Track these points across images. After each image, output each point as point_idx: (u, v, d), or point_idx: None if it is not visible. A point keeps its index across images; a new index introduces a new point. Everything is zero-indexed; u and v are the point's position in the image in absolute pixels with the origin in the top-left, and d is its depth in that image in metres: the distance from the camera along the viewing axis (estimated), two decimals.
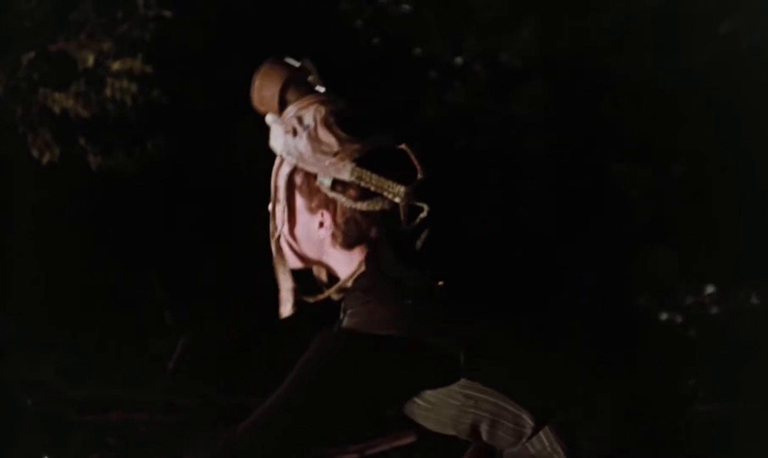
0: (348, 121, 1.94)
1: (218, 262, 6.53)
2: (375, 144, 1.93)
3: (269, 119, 1.99)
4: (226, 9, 6.53)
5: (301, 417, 1.84)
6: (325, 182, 1.92)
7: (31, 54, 5.89)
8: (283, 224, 1.99)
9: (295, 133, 1.95)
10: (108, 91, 5.94)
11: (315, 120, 1.93)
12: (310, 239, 1.98)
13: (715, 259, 7.11)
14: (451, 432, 1.92)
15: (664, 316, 7.16)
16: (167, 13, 6.00)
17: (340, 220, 1.93)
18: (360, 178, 1.91)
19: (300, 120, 1.95)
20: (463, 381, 1.85)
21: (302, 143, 1.93)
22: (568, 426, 1.87)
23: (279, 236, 2.00)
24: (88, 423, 5.13)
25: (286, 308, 2.02)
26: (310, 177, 1.94)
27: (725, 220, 7.07)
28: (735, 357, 6.69)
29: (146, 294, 6.46)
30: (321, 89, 1.98)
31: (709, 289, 7.15)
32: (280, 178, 1.98)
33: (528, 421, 1.86)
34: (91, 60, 5.87)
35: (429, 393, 1.88)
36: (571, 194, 7.26)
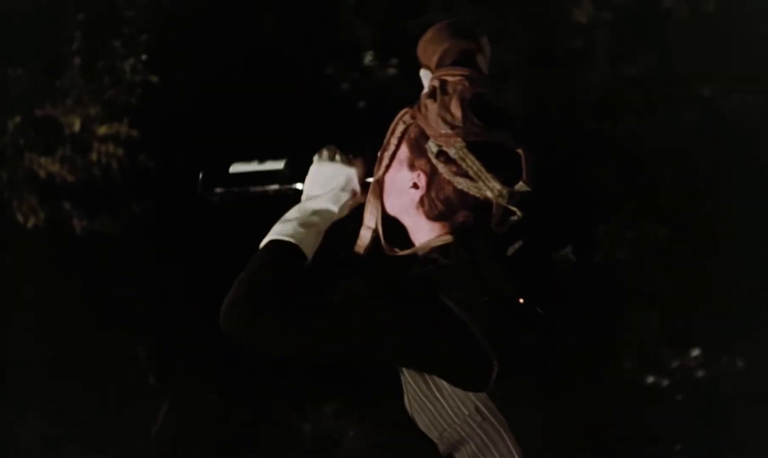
0: (482, 107, 1.97)
1: (202, 325, 6.51)
2: (493, 138, 1.96)
3: (422, 73, 2.03)
4: (212, 74, 6.57)
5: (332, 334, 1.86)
6: (432, 147, 1.96)
7: (17, 119, 5.91)
8: (383, 169, 2.00)
9: (432, 92, 1.98)
10: (94, 156, 5.95)
11: (455, 90, 1.96)
12: (398, 193, 2.00)
13: (699, 322, 7.13)
14: (434, 436, 1.92)
15: (650, 380, 7.15)
16: (154, 78, 6.03)
17: (434, 187, 1.95)
18: (463, 159, 1.94)
19: (443, 84, 1.98)
20: (483, 395, 1.86)
21: (432, 103, 1.98)
22: None
23: (377, 179, 2.04)
24: None
25: (360, 246, 2.03)
26: (423, 136, 1.97)
27: (709, 282, 7.09)
28: (720, 421, 6.69)
29: (129, 358, 6.43)
30: (480, 70, 2.02)
31: (695, 352, 7.15)
32: (398, 125, 2.00)
33: None
34: (77, 125, 5.89)
35: (445, 387, 1.88)
36: (555, 255, 7.26)
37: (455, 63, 2.01)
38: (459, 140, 1.94)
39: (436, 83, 1.99)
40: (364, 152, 2.12)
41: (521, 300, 1.96)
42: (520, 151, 1.96)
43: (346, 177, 2.05)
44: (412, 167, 1.99)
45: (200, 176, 2.19)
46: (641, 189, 7.38)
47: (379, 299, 1.85)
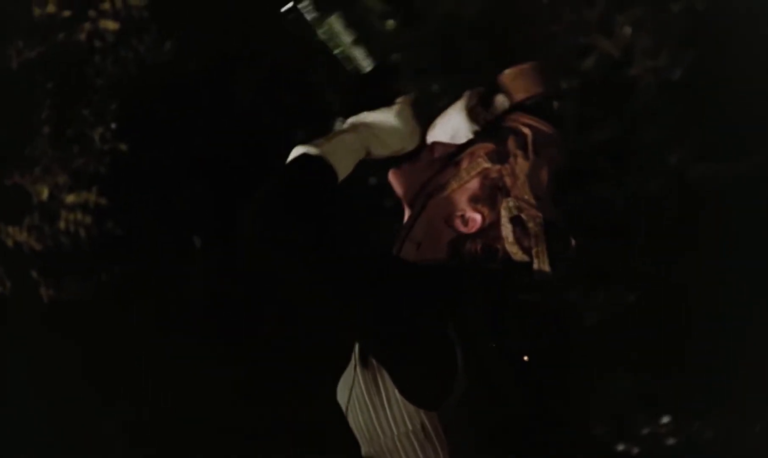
0: (559, 180, 1.97)
1: (171, 390, 6.47)
2: (561, 220, 1.96)
3: (500, 98, 1.99)
4: (182, 142, 6.58)
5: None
6: (513, 210, 1.91)
7: None
8: (439, 188, 1.98)
9: (520, 140, 1.95)
10: (62, 224, 5.93)
11: (545, 155, 1.96)
12: (439, 216, 1.97)
13: (670, 388, 7.13)
14: (362, 436, 1.88)
15: (620, 447, 7.14)
16: (123, 147, 6.03)
17: (484, 237, 1.92)
18: (536, 236, 1.91)
19: (534, 136, 1.96)
20: (433, 414, 1.82)
21: (522, 158, 1.94)
22: None
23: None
24: None
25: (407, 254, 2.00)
26: (503, 187, 1.93)
27: (680, 349, 7.10)
28: None
29: (99, 424, 6.37)
30: (551, 123, 2.00)
31: (665, 419, 7.15)
32: (478, 160, 1.95)
33: None
34: (45, 193, 5.87)
35: (396, 397, 1.84)
36: (526, 321, 7.26)
37: (539, 111, 1.99)
38: (540, 216, 1.91)
39: (528, 133, 1.95)
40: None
41: (526, 358, 1.94)
42: (572, 240, 1.96)
43: (402, 146, 1.99)
44: (473, 204, 1.94)
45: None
46: (610, 254, 7.41)
47: (389, 278, 1.81)
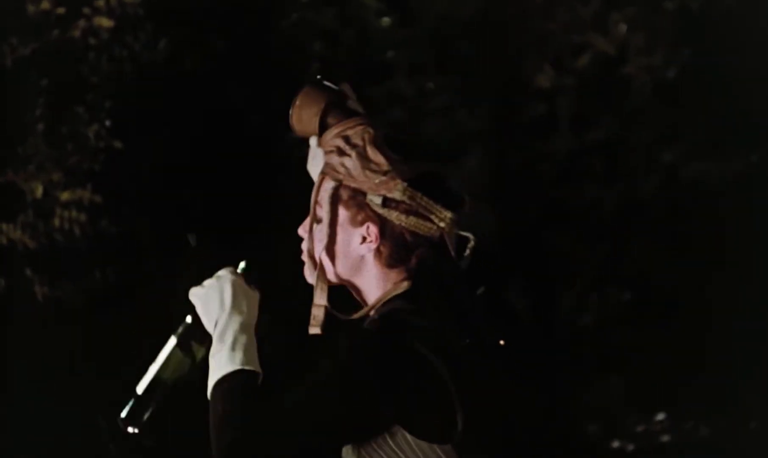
0: (396, 143, 1.98)
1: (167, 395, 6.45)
2: (424, 168, 1.96)
3: (311, 142, 2.02)
4: (175, 140, 6.57)
5: (331, 413, 1.83)
6: (375, 200, 1.94)
7: None
8: (321, 241, 1.98)
9: (340, 152, 1.97)
10: (56, 222, 5.92)
11: (363, 140, 1.97)
12: (347, 256, 1.98)
13: (664, 386, 7.14)
14: None
15: (615, 444, 7.14)
16: (117, 144, 6.02)
17: (388, 234, 1.93)
18: (412, 198, 1.93)
19: (347, 139, 1.98)
20: (448, 447, 1.83)
21: (350, 161, 1.96)
22: None
23: (314, 254, 2.00)
24: None
25: (315, 325, 2.00)
26: (357, 193, 1.95)
27: (674, 347, 7.11)
28: None
29: (90, 427, 6.36)
30: (361, 112, 2.02)
31: (660, 416, 7.16)
32: (322, 194, 1.98)
33: None
34: (39, 191, 5.86)
35: (408, 439, 1.84)
36: (519, 322, 7.27)
37: (340, 118, 2.01)
38: (398, 181, 1.94)
39: (339, 142, 1.98)
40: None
41: (502, 342, 1.95)
42: (447, 175, 1.96)
43: (230, 285, 2.00)
44: (355, 224, 1.96)
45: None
46: (604, 254, 7.41)
47: (352, 367, 1.82)
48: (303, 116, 2.05)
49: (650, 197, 7.32)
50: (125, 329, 6.50)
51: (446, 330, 1.88)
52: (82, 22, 6.04)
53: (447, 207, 1.96)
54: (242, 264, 2.04)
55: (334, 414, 1.82)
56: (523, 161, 7.50)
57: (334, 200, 1.97)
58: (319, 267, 1.99)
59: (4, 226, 5.88)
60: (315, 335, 2.00)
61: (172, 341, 2.08)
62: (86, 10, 6.05)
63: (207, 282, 2.03)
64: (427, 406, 1.83)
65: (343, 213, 1.98)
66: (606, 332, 7.36)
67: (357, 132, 1.99)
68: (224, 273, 2.03)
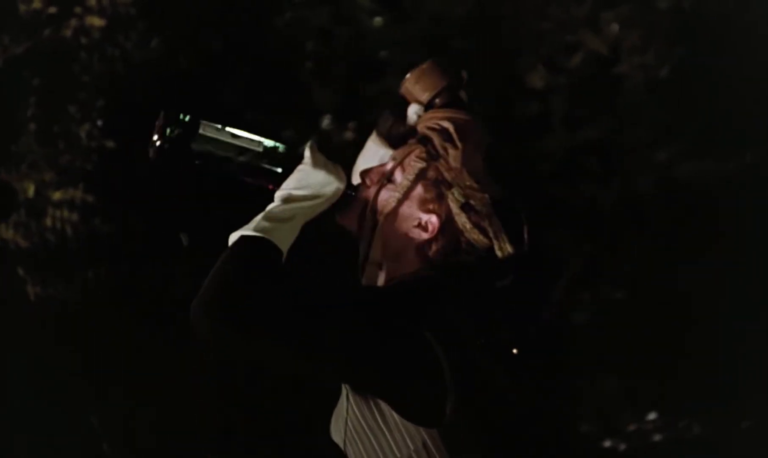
0: (492, 159, 1.98)
1: (157, 392, 6.46)
2: (508, 197, 2.00)
3: (412, 109, 2.02)
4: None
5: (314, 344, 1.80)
6: (459, 198, 1.92)
7: None
8: (386, 201, 1.97)
9: (447, 136, 1.96)
10: (48, 221, 5.91)
11: (473, 138, 1.96)
12: (396, 232, 1.96)
13: (656, 385, 7.14)
14: None
15: (607, 443, 7.15)
16: (110, 144, 6.01)
17: (447, 233, 1.92)
18: (488, 217, 1.96)
19: (455, 127, 1.96)
20: (434, 431, 1.82)
21: (454, 150, 1.98)
22: None
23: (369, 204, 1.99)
24: None
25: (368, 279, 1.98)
26: (443, 182, 1.94)
27: (667, 346, 7.11)
28: None
29: (82, 425, 6.36)
30: (466, 104, 2.03)
31: (652, 416, 7.16)
32: (413, 162, 1.97)
33: None
34: (32, 191, 5.85)
35: (394, 418, 1.83)
36: (512, 318, 7.27)
37: (450, 104, 2.02)
38: (486, 196, 1.94)
39: (449, 126, 1.98)
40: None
41: (515, 351, 1.96)
42: (522, 215, 1.98)
43: (335, 189, 1.99)
44: (423, 206, 1.96)
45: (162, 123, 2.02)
46: (597, 253, 7.41)
47: (357, 316, 1.81)
48: (422, 81, 2.06)
49: (644, 197, 7.32)
50: (118, 328, 6.49)
51: (461, 322, 1.88)
52: (73, 22, 6.03)
53: (511, 242, 1.94)
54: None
55: (315, 346, 1.80)
56: (516, 160, 7.50)
57: (419, 175, 1.97)
58: (381, 221, 1.98)
59: None
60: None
61: (264, 144, 2.03)
62: (78, 10, 6.03)
63: (330, 171, 2.01)
64: (417, 386, 1.82)
65: (419, 190, 1.97)
66: (599, 331, 7.37)
67: (469, 127, 1.99)
68: (340, 183, 2.02)
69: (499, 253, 1.94)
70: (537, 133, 7.47)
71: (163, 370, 6.39)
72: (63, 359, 6.36)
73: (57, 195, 5.91)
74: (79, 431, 6.35)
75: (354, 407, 1.85)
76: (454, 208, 1.93)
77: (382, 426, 1.83)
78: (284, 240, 1.88)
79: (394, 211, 1.95)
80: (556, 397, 7.12)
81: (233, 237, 1.90)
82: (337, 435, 1.91)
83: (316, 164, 2.01)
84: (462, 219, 1.93)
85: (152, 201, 6.47)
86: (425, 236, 1.93)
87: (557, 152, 7.42)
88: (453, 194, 1.94)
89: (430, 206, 1.95)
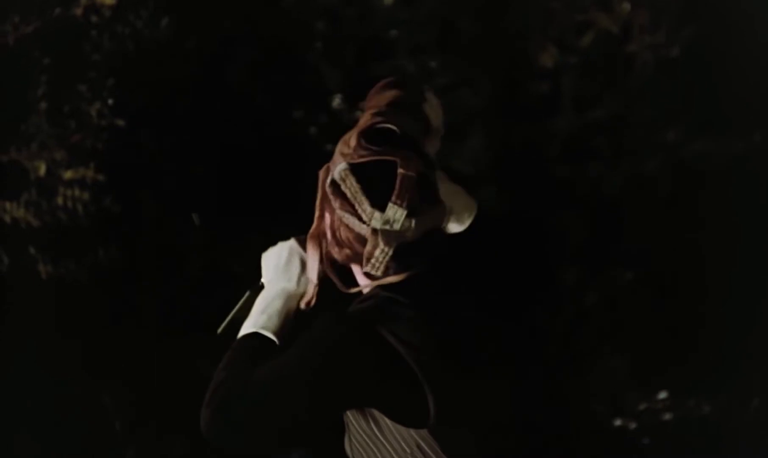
0: (381, 134, 1.93)
1: (170, 370, 6.48)
2: (377, 155, 1.89)
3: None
4: (179, 118, 6.57)
5: (302, 389, 1.81)
6: (327, 180, 1.90)
7: None
8: (316, 221, 1.98)
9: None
10: (59, 200, 5.93)
11: (357, 125, 1.95)
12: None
13: (667, 365, 7.15)
14: None
15: (617, 422, 7.15)
16: (120, 123, 6.02)
17: (334, 226, 1.90)
18: (343, 180, 1.87)
19: (355, 124, 1.96)
20: (425, 432, 1.83)
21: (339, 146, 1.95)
22: None
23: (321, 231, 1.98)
24: None
25: (304, 301, 2.01)
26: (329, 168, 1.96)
27: (677, 326, 7.11)
28: None
29: (94, 404, 6.38)
30: (420, 117, 1.98)
31: (662, 395, 7.17)
32: (321, 174, 1.98)
33: None
34: (43, 169, 5.87)
35: (387, 424, 1.84)
36: (523, 301, 7.28)
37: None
38: (344, 162, 1.89)
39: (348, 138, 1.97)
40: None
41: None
42: (397, 161, 1.88)
43: (288, 250, 2.00)
44: (321, 213, 1.96)
45: None
46: (607, 234, 7.41)
47: (321, 345, 1.81)
48: (372, 99, 2.06)
49: (653, 176, 7.31)
50: (129, 306, 6.51)
51: (423, 319, 1.87)
52: (84, 0, 6.03)
53: (375, 205, 1.87)
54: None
55: (295, 399, 1.80)
56: (525, 140, 7.49)
57: (327, 185, 1.95)
58: (310, 241, 1.98)
59: (8, 205, 5.89)
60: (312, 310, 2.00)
61: (248, 293, 2.11)
62: None
63: (278, 244, 2.04)
64: (395, 393, 1.82)
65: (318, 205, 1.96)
66: (608, 311, 7.37)
67: (362, 118, 1.98)
68: (291, 240, 2.03)
69: (364, 217, 1.88)
70: (546, 112, 7.46)
71: (173, 348, 6.42)
72: (74, 337, 6.39)
73: (68, 174, 5.92)
74: (90, 409, 6.37)
75: (353, 421, 1.87)
76: (328, 191, 1.92)
77: (378, 434, 1.85)
78: (276, 328, 1.91)
79: (320, 224, 1.97)
80: (566, 377, 7.13)
81: (241, 333, 1.94)
82: (348, 450, 1.93)
83: (264, 256, 2.03)
84: (333, 201, 1.89)
85: (163, 180, 6.49)
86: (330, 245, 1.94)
87: (566, 132, 7.41)
88: (330, 173, 1.92)
89: (323, 210, 1.97)
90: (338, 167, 1.87)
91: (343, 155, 1.89)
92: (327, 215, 1.93)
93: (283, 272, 2.00)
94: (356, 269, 1.95)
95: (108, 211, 6.02)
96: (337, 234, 1.89)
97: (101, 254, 6.17)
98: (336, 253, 1.91)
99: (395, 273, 1.86)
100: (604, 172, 7.42)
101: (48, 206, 5.91)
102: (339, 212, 1.87)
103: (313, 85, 7.14)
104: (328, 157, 1.96)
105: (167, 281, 6.49)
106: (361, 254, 1.87)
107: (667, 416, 7.12)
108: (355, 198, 1.86)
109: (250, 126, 6.72)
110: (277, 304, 1.95)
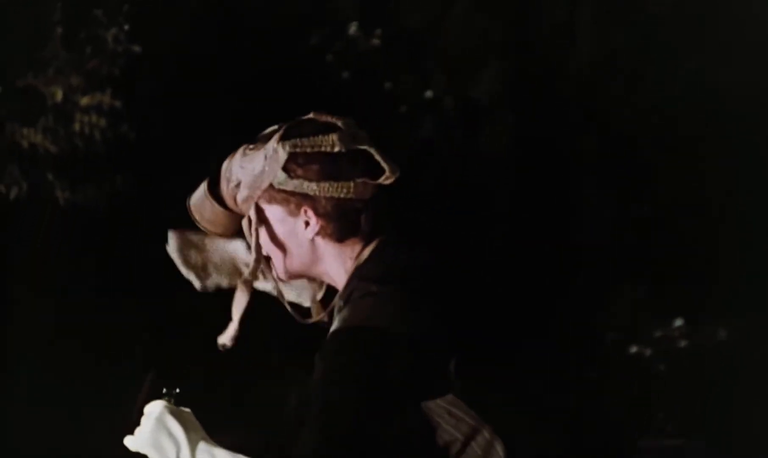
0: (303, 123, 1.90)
1: (188, 297, 6.50)
2: (297, 121, 1.88)
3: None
4: (195, 44, 6.54)
5: (347, 416, 1.76)
6: (279, 177, 1.88)
7: None
8: (274, 256, 1.94)
9: (237, 185, 1.94)
10: (77, 126, 5.93)
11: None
12: (301, 246, 1.94)
13: (682, 293, 7.16)
14: None
15: (633, 349, 7.19)
16: (136, 48, 6.00)
17: (321, 210, 1.87)
18: (294, 146, 1.85)
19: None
20: (450, 397, 1.83)
21: (256, 171, 1.90)
22: None
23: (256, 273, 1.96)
24: None
25: (227, 339, 2.00)
26: (271, 189, 1.89)
27: (692, 254, 7.11)
28: (702, 389, 6.71)
29: (111, 328, 6.42)
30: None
31: (678, 322, 7.19)
32: (253, 227, 1.93)
33: (499, 452, 1.85)
34: (59, 95, 5.86)
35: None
36: (540, 230, 7.29)
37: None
38: (279, 147, 1.85)
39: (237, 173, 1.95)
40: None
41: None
42: (323, 116, 1.85)
43: (159, 425, 1.88)
44: (292, 213, 1.91)
45: None
46: (626, 162, 7.39)
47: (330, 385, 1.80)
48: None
49: (673, 103, 7.27)
50: (146, 232, 6.53)
51: (408, 295, 1.84)
52: None
53: (335, 134, 1.84)
54: (164, 390, 1.95)
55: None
56: (543, 70, 7.45)
57: (260, 213, 1.89)
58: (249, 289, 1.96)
59: (25, 130, 5.89)
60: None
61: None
62: None
63: (143, 427, 1.91)
64: (408, 378, 1.81)
65: (276, 212, 1.90)
66: (624, 240, 7.37)
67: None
68: (155, 408, 1.96)
69: (336, 147, 1.79)
70: (564, 39, 7.41)
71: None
72: (91, 263, 6.42)
73: (85, 100, 5.92)
74: (107, 336, 6.41)
75: None
76: (288, 188, 1.84)
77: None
78: None
79: (282, 251, 1.98)
80: (583, 305, 7.15)
81: None
82: None
83: (137, 445, 1.94)
84: (304, 186, 1.83)
85: (179, 106, 6.48)
86: (317, 225, 1.91)
87: (583, 61, 7.36)
88: (276, 182, 1.86)
89: (292, 207, 1.89)
90: (279, 152, 1.86)
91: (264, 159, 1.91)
92: (289, 223, 1.90)
93: (186, 433, 1.94)
94: (331, 262, 1.93)
95: (125, 137, 6.02)
96: (323, 206, 1.87)
97: (118, 181, 6.18)
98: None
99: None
100: (622, 99, 7.39)
101: (65, 132, 5.92)
102: (316, 188, 1.86)
103: (329, 13, 7.11)
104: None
105: (184, 207, 6.50)
106: (357, 225, 1.89)
107: (683, 343, 7.15)
108: (315, 143, 1.86)
109: (266, 51, 6.70)
110: (220, 454, 1.92)
